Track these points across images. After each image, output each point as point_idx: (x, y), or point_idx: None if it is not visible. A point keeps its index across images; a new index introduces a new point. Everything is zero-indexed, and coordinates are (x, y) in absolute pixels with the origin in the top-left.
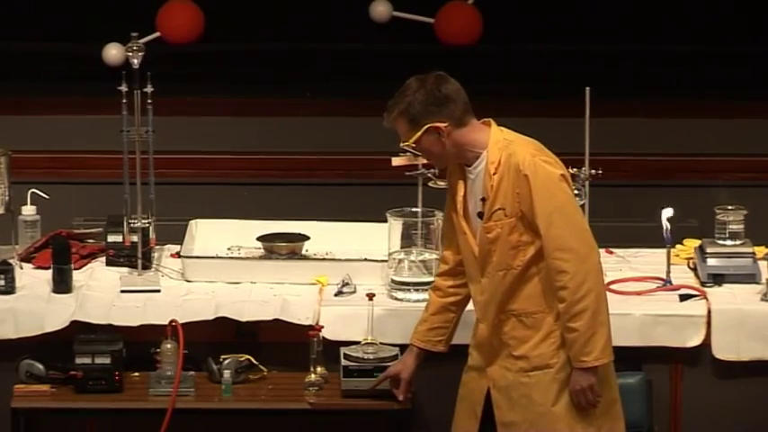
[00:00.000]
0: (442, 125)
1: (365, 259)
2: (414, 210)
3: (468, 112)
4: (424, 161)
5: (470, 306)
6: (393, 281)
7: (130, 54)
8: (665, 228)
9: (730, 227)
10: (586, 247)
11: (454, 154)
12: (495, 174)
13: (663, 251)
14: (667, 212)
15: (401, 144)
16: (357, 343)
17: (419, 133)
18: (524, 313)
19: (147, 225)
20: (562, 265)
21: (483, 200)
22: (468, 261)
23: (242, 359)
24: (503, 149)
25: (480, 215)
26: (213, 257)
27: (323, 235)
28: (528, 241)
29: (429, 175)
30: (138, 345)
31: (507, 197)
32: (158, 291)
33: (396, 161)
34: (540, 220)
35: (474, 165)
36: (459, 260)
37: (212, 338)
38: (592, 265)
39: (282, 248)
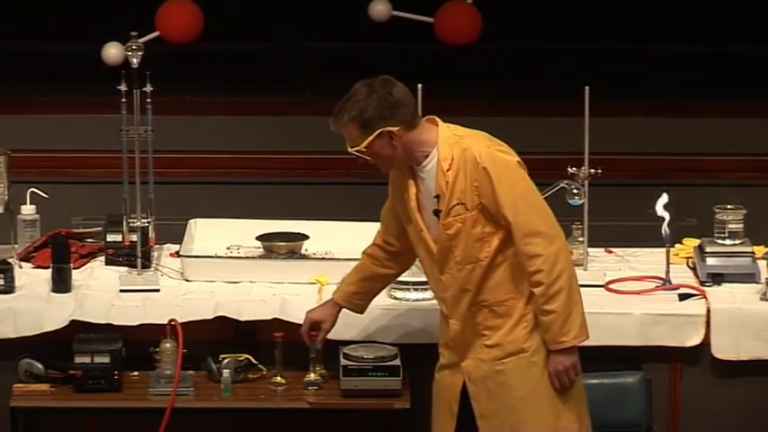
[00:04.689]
0: (394, 129)
1: None
2: None
3: (417, 115)
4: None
5: (434, 305)
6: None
7: (130, 53)
8: (663, 219)
9: (729, 226)
10: (553, 229)
11: (403, 156)
12: (449, 170)
13: (662, 250)
14: (663, 200)
15: (350, 149)
16: (356, 342)
17: (371, 138)
18: (495, 302)
19: (147, 224)
20: (534, 249)
21: (437, 197)
22: (424, 258)
23: (241, 358)
24: (454, 145)
25: (436, 213)
26: (212, 257)
27: (322, 234)
28: (491, 232)
29: None
30: (137, 344)
31: (466, 191)
32: (157, 290)
33: None
34: (506, 210)
35: (423, 164)
36: (401, 246)
37: (211, 338)
38: (561, 246)
39: (282, 248)
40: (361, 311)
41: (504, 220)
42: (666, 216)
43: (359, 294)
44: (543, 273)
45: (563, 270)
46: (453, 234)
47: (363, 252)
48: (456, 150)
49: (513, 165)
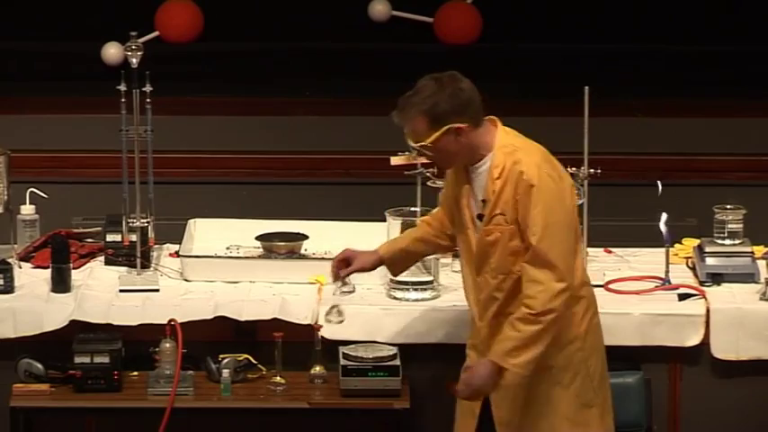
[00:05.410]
0: (463, 126)
1: None
2: (412, 209)
3: (483, 113)
4: (423, 160)
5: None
6: (392, 280)
7: (129, 53)
8: (663, 232)
9: (729, 226)
10: (568, 274)
11: (465, 154)
12: (498, 178)
13: (662, 250)
14: (664, 218)
15: (415, 143)
16: (356, 342)
17: (438, 133)
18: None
19: (146, 224)
20: (540, 276)
21: (483, 201)
22: (464, 255)
23: (241, 358)
24: (508, 155)
25: (480, 217)
26: (212, 257)
27: (322, 234)
28: (525, 247)
29: (428, 174)
30: (136, 344)
31: (508, 203)
32: (157, 290)
33: (395, 160)
34: (531, 233)
35: (477, 165)
36: (454, 232)
37: (211, 338)
38: (565, 289)
39: (281, 248)
40: (396, 272)
41: (528, 242)
42: (666, 229)
43: (404, 252)
44: (537, 301)
45: (554, 310)
46: (492, 242)
47: (421, 219)
48: (508, 161)
49: (558, 192)
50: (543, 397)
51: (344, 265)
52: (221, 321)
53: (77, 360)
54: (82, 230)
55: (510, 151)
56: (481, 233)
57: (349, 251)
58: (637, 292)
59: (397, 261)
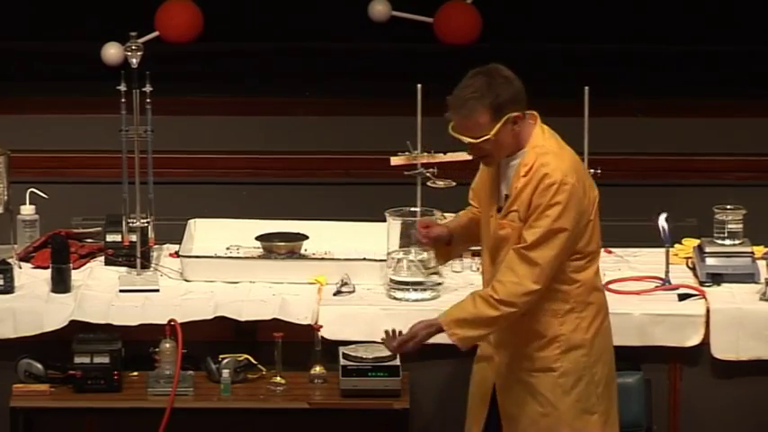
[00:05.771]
0: (520, 114)
1: (364, 259)
2: (412, 209)
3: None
4: (423, 160)
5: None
6: (392, 280)
7: (129, 53)
8: (662, 231)
9: (729, 226)
10: (547, 275)
11: (512, 146)
12: (524, 176)
13: (662, 251)
14: (663, 218)
15: (477, 138)
16: (356, 342)
17: (500, 124)
18: (529, 313)
19: (146, 224)
20: (520, 269)
21: (506, 196)
22: (484, 242)
23: (241, 358)
24: (538, 156)
25: (499, 209)
26: (212, 257)
27: (322, 234)
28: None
29: (428, 174)
30: (136, 344)
31: (524, 203)
32: (157, 290)
33: (394, 160)
34: (534, 232)
35: (510, 157)
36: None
37: (211, 338)
38: (535, 293)
39: (281, 248)
40: (452, 254)
41: (524, 236)
42: (665, 226)
43: (464, 229)
44: (505, 289)
45: (516, 305)
46: (504, 236)
47: (466, 209)
48: (537, 162)
49: (575, 203)
50: (545, 398)
51: (428, 232)
52: (221, 321)
53: (77, 360)
54: (82, 230)
55: (542, 152)
56: (496, 226)
57: (425, 219)
58: (637, 293)
59: (459, 237)
